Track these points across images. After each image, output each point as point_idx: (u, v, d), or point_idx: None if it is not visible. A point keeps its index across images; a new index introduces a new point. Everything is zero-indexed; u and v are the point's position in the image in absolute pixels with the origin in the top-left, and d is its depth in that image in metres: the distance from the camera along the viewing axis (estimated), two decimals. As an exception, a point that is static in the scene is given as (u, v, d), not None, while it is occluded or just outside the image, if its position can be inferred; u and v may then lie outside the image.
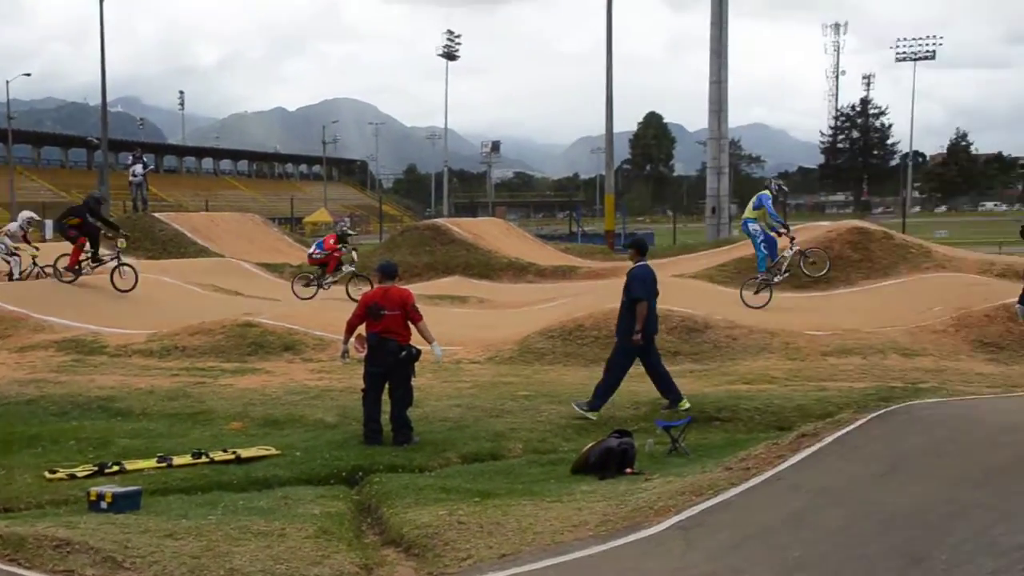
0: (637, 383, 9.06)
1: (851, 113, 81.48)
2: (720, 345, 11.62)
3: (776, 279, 15.00)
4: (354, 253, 18.77)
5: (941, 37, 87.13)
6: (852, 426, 5.84)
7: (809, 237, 18.23)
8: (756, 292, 14.72)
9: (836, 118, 79.60)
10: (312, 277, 18.38)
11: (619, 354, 8.80)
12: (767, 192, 15.37)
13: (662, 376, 8.80)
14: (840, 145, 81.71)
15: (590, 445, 6.98)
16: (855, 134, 79.78)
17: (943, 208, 74.81)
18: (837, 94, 75.26)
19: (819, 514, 4.80)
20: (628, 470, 6.60)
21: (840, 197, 75.68)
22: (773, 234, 15.14)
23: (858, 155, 79.51)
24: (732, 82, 29.12)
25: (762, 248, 15.11)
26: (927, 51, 71.84)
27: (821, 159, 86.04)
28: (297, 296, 17.72)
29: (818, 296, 16.39)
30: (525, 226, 43.54)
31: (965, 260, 18.21)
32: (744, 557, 4.46)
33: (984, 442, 5.26)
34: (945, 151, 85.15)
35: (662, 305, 9.45)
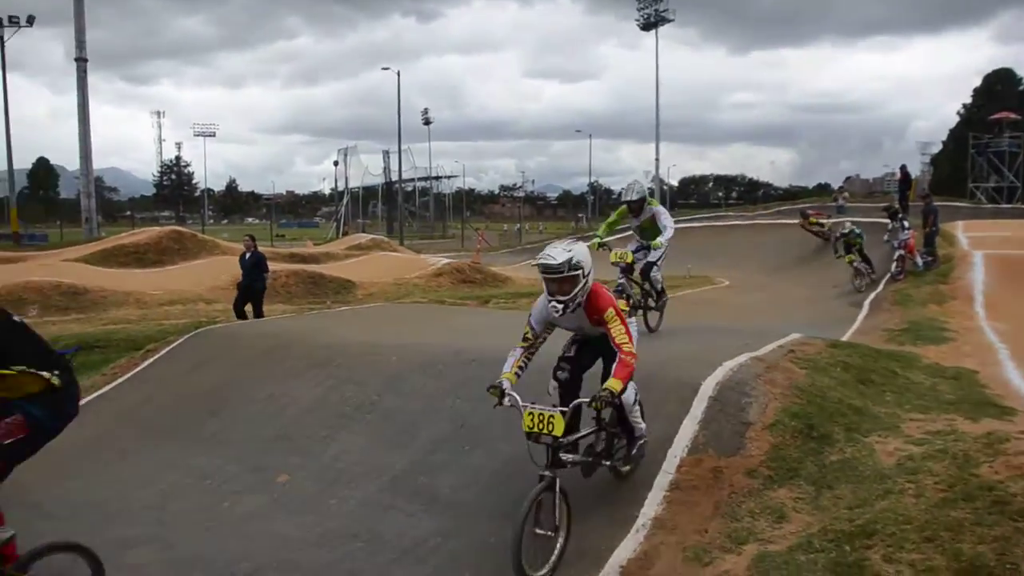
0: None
1: (171, 163, 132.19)
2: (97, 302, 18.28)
3: None
4: None
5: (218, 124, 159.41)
6: (175, 343, 10.02)
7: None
8: None
9: (162, 166, 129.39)
10: None
11: None
12: None
13: None
14: (166, 182, 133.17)
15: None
16: (174, 176, 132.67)
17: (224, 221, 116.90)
18: (161, 152, 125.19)
19: (160, 394, 8.83)
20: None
21: (167, 214, 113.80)
22: None
23: (176, 188, 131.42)
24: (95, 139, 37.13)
25: None
26: (210, 132, 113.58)
27: (154, 191, 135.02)
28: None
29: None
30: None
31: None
32: (119, 425, 8.18)
33: (244, 345, 9.85)
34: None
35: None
